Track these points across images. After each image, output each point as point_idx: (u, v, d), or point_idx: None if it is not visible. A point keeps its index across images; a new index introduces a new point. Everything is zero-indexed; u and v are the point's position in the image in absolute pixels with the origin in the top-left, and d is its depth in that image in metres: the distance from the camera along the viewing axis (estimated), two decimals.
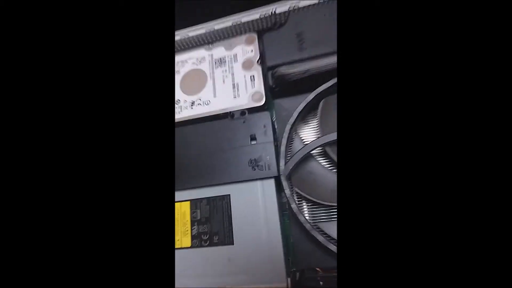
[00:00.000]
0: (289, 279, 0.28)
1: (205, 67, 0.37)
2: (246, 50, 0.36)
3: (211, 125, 0.34)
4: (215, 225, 0.32)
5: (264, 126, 0.32)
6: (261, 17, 0.33)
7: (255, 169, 0.31)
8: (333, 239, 0.29)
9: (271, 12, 0.33)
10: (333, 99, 0.31)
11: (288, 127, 0.30)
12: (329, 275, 0.30)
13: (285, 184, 0.29)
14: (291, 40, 0.32)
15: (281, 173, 0.30)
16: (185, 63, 0.38)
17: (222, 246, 0.31)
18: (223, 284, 0.29)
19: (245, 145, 0.32)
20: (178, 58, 0.38)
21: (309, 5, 0.32)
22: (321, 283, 0.30)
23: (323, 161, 0.32)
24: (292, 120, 0.30)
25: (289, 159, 0.30)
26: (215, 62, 0.36)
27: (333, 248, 0.28)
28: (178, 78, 0.38)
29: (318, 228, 0.29)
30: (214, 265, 0.30)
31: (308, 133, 0.33)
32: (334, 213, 0.31)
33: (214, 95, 0.35)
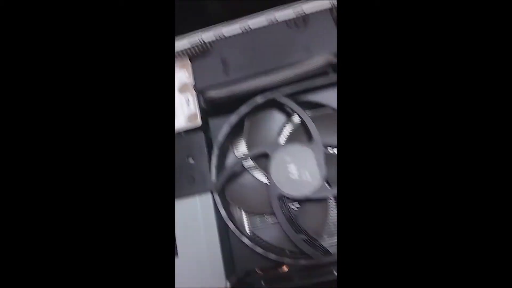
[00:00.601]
0: (227, 282, 0.32)
1: None
2: (180, 75, 0.38)
3: None
4: None
5: (200, 146, 0.35)
6: (190, 46, 0.36)
7: (192, 186, 0.34)
8: (267, 243, 0.32)
9: (199, 40, 0.36)
10: (256, 117, 0.35)
11: (216, 145, 0.34)
12: (267, 274, 0.33)
13: (217, 197, 0.33)
14: (217, 65, 0.35)
15: (214, 187, 0.33)
16: None
17: None
18: None
19: (182, 164, 0.35)
20: None
21: (231, 35, 0.36)
22: (262, 283, 0.33)
23: (254, 174, 0.36)
24: (219, 139, 0.34)
25: (221, 174, 0.33)
26: None
27: (260, 251, 0.32)
28: None
29: (254, 234, 0.33)
30: None
31: (242, 149, 0.37)
32: (267, 220, 0.34)
33: None
